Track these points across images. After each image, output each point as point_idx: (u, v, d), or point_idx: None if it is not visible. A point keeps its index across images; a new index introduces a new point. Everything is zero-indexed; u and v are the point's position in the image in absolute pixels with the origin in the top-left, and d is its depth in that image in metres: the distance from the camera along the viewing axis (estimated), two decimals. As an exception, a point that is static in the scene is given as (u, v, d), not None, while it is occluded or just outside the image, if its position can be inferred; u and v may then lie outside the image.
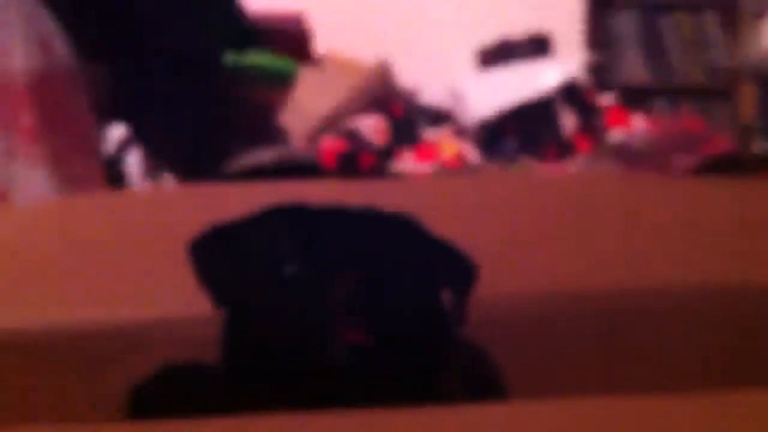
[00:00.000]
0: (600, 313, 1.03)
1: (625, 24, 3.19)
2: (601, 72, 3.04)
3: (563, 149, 2.35)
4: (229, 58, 2.52)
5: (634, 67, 3.22)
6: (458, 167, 2.30)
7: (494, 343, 0.96)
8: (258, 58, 2.60)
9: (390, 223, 0.81)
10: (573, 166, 2.26)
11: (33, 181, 1.84)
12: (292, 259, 0.76)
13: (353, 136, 2.39)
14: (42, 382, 0.97)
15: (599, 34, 3.16)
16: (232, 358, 0.78)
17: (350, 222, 0.79)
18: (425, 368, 0.78)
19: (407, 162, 2.34)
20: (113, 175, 2.23)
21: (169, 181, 2.29)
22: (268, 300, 0.77)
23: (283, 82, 2.58)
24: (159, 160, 2.28)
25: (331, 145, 2.35)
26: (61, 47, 1.94)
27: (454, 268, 0.82)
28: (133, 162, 2.27)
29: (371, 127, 2.43)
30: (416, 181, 2.04)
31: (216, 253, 0.79)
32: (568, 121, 2.41)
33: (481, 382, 0.87)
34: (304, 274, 0.75)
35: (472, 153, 2.38)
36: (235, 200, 1.39)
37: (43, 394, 0.96)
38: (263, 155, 2.33)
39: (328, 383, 0.73)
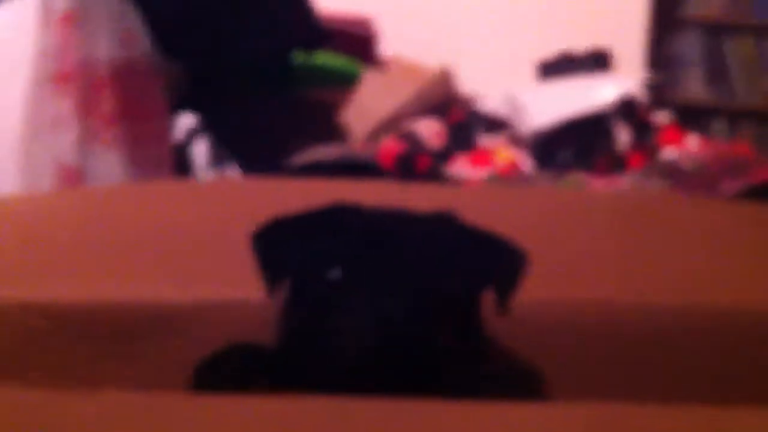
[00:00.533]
0: (638, 328, 1.06)
1: (688, 44, 3.20)
2: (660, 90, 3.05)
3: (615, 163, 2.38)
4: (298, 57, 2.59)
5: (694, 87, 3.22)
6: (511, 175, 2.34)
7: (532, 348, 0.99)
8: (324, 59, 2.67)
9: (434, 224, 0.84)
10: (624, 181, 2.28)
11: (108, 163, 1.94)
12: (338, 264, 0.78)
13: (411, 139, 2.44)
14: (88, 355, 1.02)
15: (661, 52, 3.16)
16: (283, 347, 0.81)
17: (399, 228, 0.81)
18: (463, 367, 0.80)
19: (462, 167, 2.38)
20: (181, 162, 2.32)
21: (233, 172, 2.38)
22: (312, 301, 0.79)
23: (346, 82, 2.65)
24: (225, 151, 2.36)
25: (389, 146, 2.41)
26: (143, 42, 2.05)
27: (504, 259, 0.84)
28: (200, 151, 2.36)
29: (429, 130, 2.48)
30: (470, 188, 2.08)
31: (275, 244, 0.83)
32: (623, 136, 2.43)
33: (516, 389, 0.87)
34: (347, 283, 0.77)
35: (525, 162, 2.41)
36: (294, 194, 1.45)
37: (86, 365, 1.02)
38: (324, 153, 2.39)
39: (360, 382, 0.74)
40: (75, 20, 1.91)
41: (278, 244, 0.84)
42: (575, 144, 2.44)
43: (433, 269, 0.79)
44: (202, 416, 0.70)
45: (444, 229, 0.84)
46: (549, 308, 1.06)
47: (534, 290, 0.86)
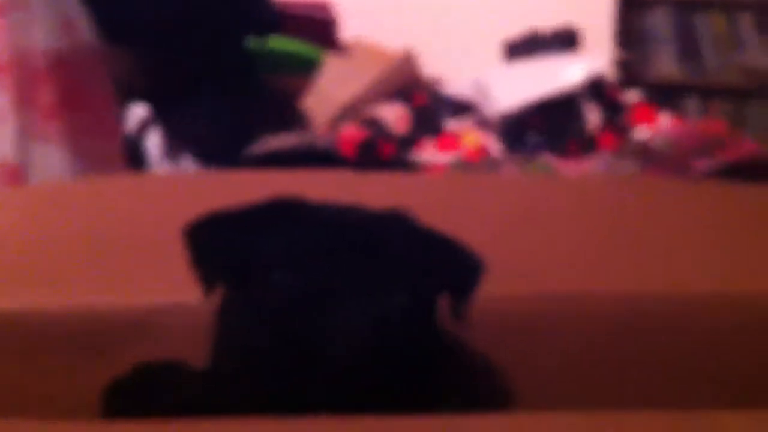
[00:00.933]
0: (607, 317, 1.01)
1: (658, 21, 3.14)
2: (630, 68, 3.01)
3: (586, 145, 2.33)
4: (253, 43, 2.52)
5: (666, 65, 3.17)
6: (479, 160, 2.28)
7: (498, 347, 0.93)
8: (282, 44, 2.60)
9: (386, 223, 0.78)
10: (595, 163, 2.23)
11: (50, 159, 1.85)
12: (281, 265, 0.73)
13: (374, 125, 2.38)
14: (42, 365, 0.96)
15: (631, 30, 3.11)
16: (217, 352, 0.76)
17: (344, 224, 0.76)
18: (420, 378, 0.75)
19: (428, 152, 2.32)
20: (133, 155, 2.24)
21: (188, 164, 2.30)
22: (253, 302, 0.73)
23: (307, 68, 2.58)
24: (179, 142, 2.29)
25: (351, 133, 2.34)
26: (85, 28, 1.95)
27: (458, 265, 0.79)
28: (154, 143, 2.28)
29: (393, 115, 2.42)
30: (432, 176, 2.02)
31: (208, 241, 0.77)
32: (592, 117, 2.38)
33: (483, 391, 0.84)
34: (292, 284, 0.71)
35: (494, 146, 2.35)
36: (248, 187, 1.38)
37: (41, 376, 0.95)
38: (283, 141, 2.33)
39: (314, 391, 0.69)
40: (3, 9, 1.80)
41: (212, 242, 0.77)
42: (544, 126, 2.39)
43: (381, 275, 0.73)
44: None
45: (396, 229, 0.78)
46: (518, 303, 1.01)
47: (502, 284, 0.82)
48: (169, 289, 0.99)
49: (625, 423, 0.69)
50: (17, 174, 1.81)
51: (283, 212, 0.77)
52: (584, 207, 1.42)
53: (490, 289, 0.80)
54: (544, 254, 1.14)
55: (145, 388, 0.77)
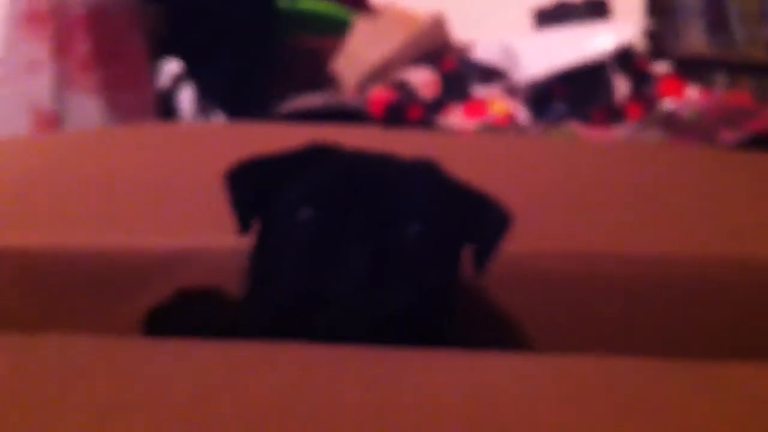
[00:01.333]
0: (629, 277, 1.01)
1: (689, -7, 3.12)
2: (659, 40, 2.98)
3: (612, 114, 2.32)
4: (282, 2, 2.52)
5: (694, 38, 3.14)
6: (505, 126, 2.28)
7: (519, 301, 0.96)
8: (313, 5, 2.60)
9: (415, 170, 0.79)
10: (620, 132, 2.22)
11: (84, 108, 1.88)
12: (309, 202, 0.73)
13: (402, 88, 2.38)
14: (66, 300, 0.98)
15: (660, 2, 3.08)
16: (250, 292, 0.77)
17: (378, 172, 0.76)
18: (435, 328, 0.75)
19: (454, 117, 2.32)
20: (165, 109, 2.26)
21: (219, 119, 2.32)
22: (281, 241, 0.74)
23: (336, 29, 2.58)
24: (211, 98, 2.30)
25: (379, 94, 2.35)
26: (121, -18, 1.97)
27: (485, 217, 0.79)
28: (186, 98, 2.30)
29: (421, 79, 2.42)
30: (461, 136, 2.02)
31: (247, 183, 0.79)
32: (620, 86, 2.37)
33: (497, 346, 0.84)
34: (317, 223, 0.72)
35: (520, 112, 2.35)
36: (278, 139, 1.40)
37: (83, 311, 0.97)
38: (311, 100, 2.34)
39: (327, 325, 0.69)
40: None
41: (250, 184, 0.79)
42: (571, 94, 2.38)
43: (407, 218, 0.73)
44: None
45: (425, 176, 0.78)
46: (540, 260, 1.01)
47: (528, 241, 0.82)
48: (203, 230, 1.02)
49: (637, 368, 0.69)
50: (53, 121, 1.83)
51: (318, 156, 0.78)
52: (611, 170, 1.44)
53: (516, 245, 0.80)
54: (571, 214, 1.15)
55: (184, 312, 0.78)
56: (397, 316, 0.69)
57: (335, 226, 0.71)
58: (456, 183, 0.80)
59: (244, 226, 0.77)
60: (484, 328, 0.94)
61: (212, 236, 0.97)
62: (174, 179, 1.26)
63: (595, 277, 1.01)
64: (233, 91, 2.28)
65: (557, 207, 1.18)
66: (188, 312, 0.77)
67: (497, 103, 2.37)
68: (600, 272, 1.01)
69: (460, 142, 1.70)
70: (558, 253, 1.02)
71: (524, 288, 0.99)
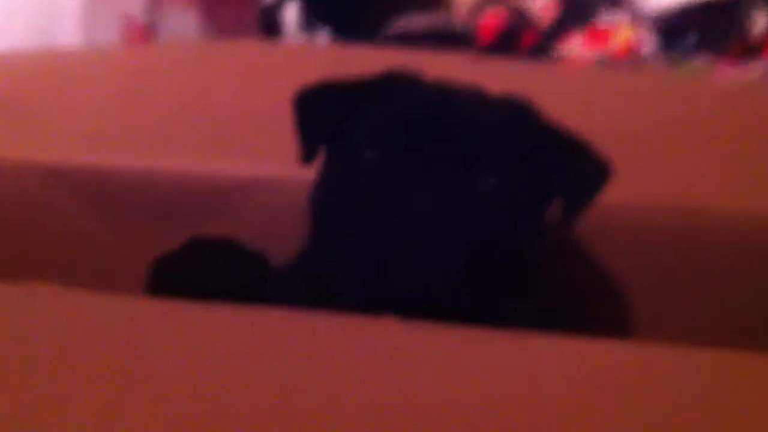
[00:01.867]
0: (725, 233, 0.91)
1: None
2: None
3: (748, 50, 2.14)
4: None
5: None
6: (626, 58, 2.13)
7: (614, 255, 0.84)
8: None
9: (500, 110, 0.68)
10: (756, 70, 2.05)
11: (180, 22, 1.83)
12: (374, 141, 0.65)
13: (518, 13, 2.25)
14: (127, 222, 0.93)
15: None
16: (314, 230, 0.69)
17: (459, 110, 0.67)
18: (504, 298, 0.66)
19: (573, 46, 2.18)
20: (269, 26, 2.20)
21: (323, 37, 2.25)
22: (342, 178, 0.67)
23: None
24: (316, 15, 2.23)
25: (492, 19, 2.22)
26: None
27: (579, 167, 0.69)
28: (291, 15, 2.24)
29: (539, 5, 2.28)
30: (571, 70, 1.89)
31: (314, 108, 0.71)
32: (760, 21, 2.17)
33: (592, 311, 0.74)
34: (380, 168, 0.64)
35: (646, 44, 2.19)
36: (375, 62, 1.31)
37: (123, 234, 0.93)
38: (420, 22, 2.24)
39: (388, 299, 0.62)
40: None
41: (318, 110, 0.71)
42: (704, 27, 2.20)
43: (481, 170, 0.64)
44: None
45: (512, 120, 0.68)
46: (636, 214, 0.92)
47: (623, 193, 0.71)
48: (265, 160, 0.96)
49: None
50: (145, 34, 1.79)
51: (393, 86, 0.69)
52: (735, 118, 1.32)
53: (614, 197, 0.70)
54: (680, 164, 1.06)
55: (196, 262, 0.71)
56: (434, 291, 0.61)
57: (399, 171, 0.62)
58: (549, 127, 0.70)
59: (307, 156, 0.69)
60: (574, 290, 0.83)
61: (276, 165, 0.91)
62: (263, 103, 1.19)
63: (699, 234, 0.91)
64: (340, 7, 2.19)
65: (665, 155, 1.08)
66: (200, 263, 0.69)
67: (622, 32, 2.22)
68: (703, 228, 0.92)
69: (569, 77, 1.58)
70: (657, 207, 0.93)
71: (614, 244, 0.87)
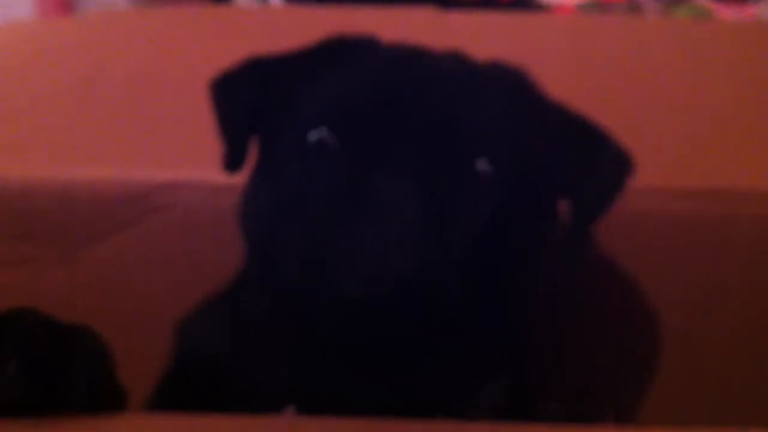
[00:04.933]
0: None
1: None
2: None
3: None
4: None
5: None
6: (618, 1, 2.06)
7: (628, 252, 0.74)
8: None
9: (490, 83, 0.56)
10: (760, 9, 1.98)
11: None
12: (323, 121, 0.53)
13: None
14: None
15: None
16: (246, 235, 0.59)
17: (425, 76, 0.55)
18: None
19: (558, -9, 2.11)
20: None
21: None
22: (284, 178, 0.55)
23: None
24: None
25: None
26: None
27: (593, 159, 0.57)
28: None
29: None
30: (557, 19, 1.73)
31: (238, 93, 0.61)
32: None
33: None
34: (332, 148, 0.52)
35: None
36: (327, 25, 1.14)
37: None
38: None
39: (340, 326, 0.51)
40: None
41: (245, 97, 0.60)
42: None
43: (470, 154, 0.52)
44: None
45: (503, 93, 0.56)
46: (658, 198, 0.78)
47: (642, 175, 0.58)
48: (193, 158, 0.80)
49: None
50: (65, 5, 1.61)
51: (342, 55, 0.58)
52: (750, 64, 1.12)
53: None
54: (700, 137, 0.88)
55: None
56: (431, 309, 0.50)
57: (359, 158, 0.51)
58: (551, 106, 0.59)
59: (234, 160, 0.59)
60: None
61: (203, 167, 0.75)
62: (180, 81, 1.04)
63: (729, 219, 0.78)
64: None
65: (681, 126, 0.91)
66: None
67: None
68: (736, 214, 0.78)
69: (557, 28, 1.40)
70: (680, 190, 0.78)
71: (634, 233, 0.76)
